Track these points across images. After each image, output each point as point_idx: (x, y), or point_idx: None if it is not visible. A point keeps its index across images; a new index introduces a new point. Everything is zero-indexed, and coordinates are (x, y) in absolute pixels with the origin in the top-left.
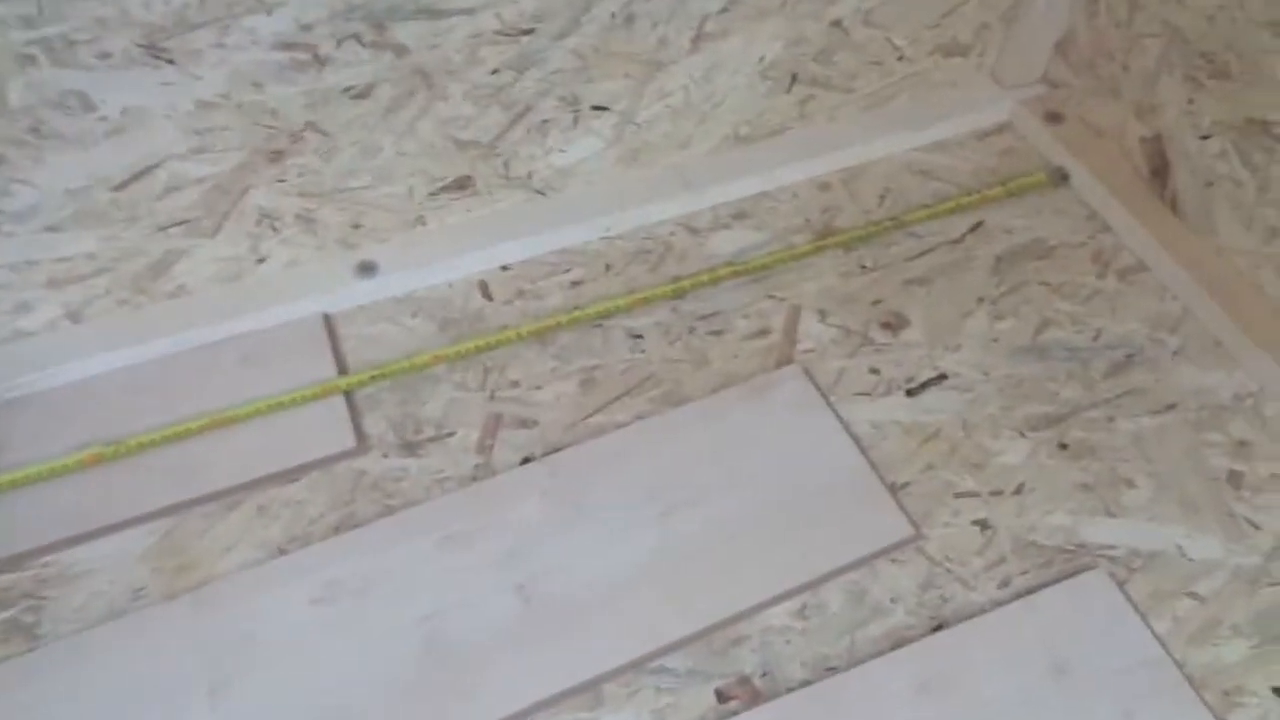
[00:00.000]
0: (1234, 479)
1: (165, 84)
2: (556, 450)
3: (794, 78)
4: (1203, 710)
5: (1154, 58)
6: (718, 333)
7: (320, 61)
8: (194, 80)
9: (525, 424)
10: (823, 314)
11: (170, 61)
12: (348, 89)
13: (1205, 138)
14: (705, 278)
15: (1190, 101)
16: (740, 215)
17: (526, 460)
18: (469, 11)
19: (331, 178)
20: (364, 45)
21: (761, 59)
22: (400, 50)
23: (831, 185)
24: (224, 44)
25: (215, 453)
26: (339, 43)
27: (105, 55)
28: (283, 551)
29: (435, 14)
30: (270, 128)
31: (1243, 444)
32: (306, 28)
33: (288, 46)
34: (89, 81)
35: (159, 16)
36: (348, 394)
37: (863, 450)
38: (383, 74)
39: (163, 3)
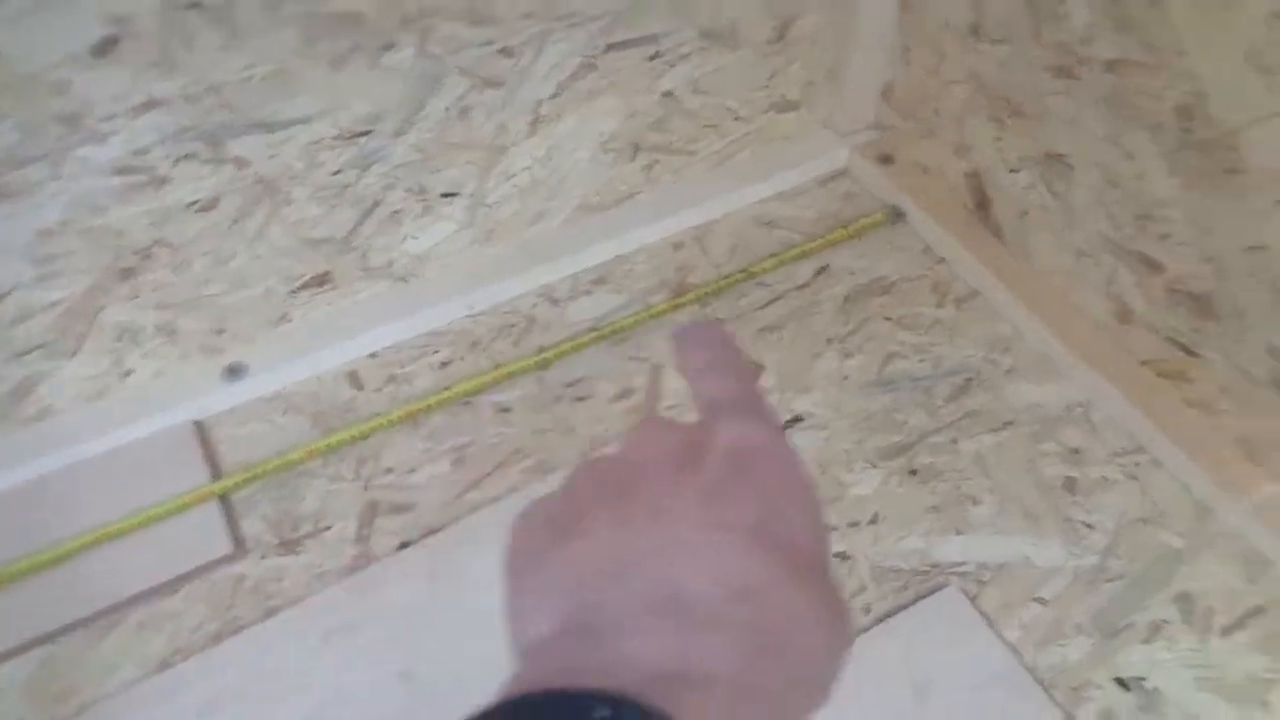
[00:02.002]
0: (1069, 485)
1: (3, 217)
2: (433, 532)
3: (636, 147)
4: (1054, 709)
5: (961, 101)
6: (583, 399)
7: (160, 181)
8: (32, 211)
9: (401, 509)
10: None
11: (6, 195)
12: (192, 203)
13: (1014, 171)
14: (569, 346)
15: (998, 139)
16: (599, 281)
17: (404, 545)
18: (304, 121)
19: (187, 288)
20: (202, 162)
21: (601, 134)
22: (240, 163)
23: (684, 243)
24: (60, 175)
25: (92, 572)
26: (175, 162)
27: None
28: (166, 666)
29: (269, 127)
30: (117, 247)
31: (1075, 451)
32: (140, 152)
33: (124, 171)
34: None
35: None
36: (223, 498)
37: None
38: (225, 186)
39: (6, 139)
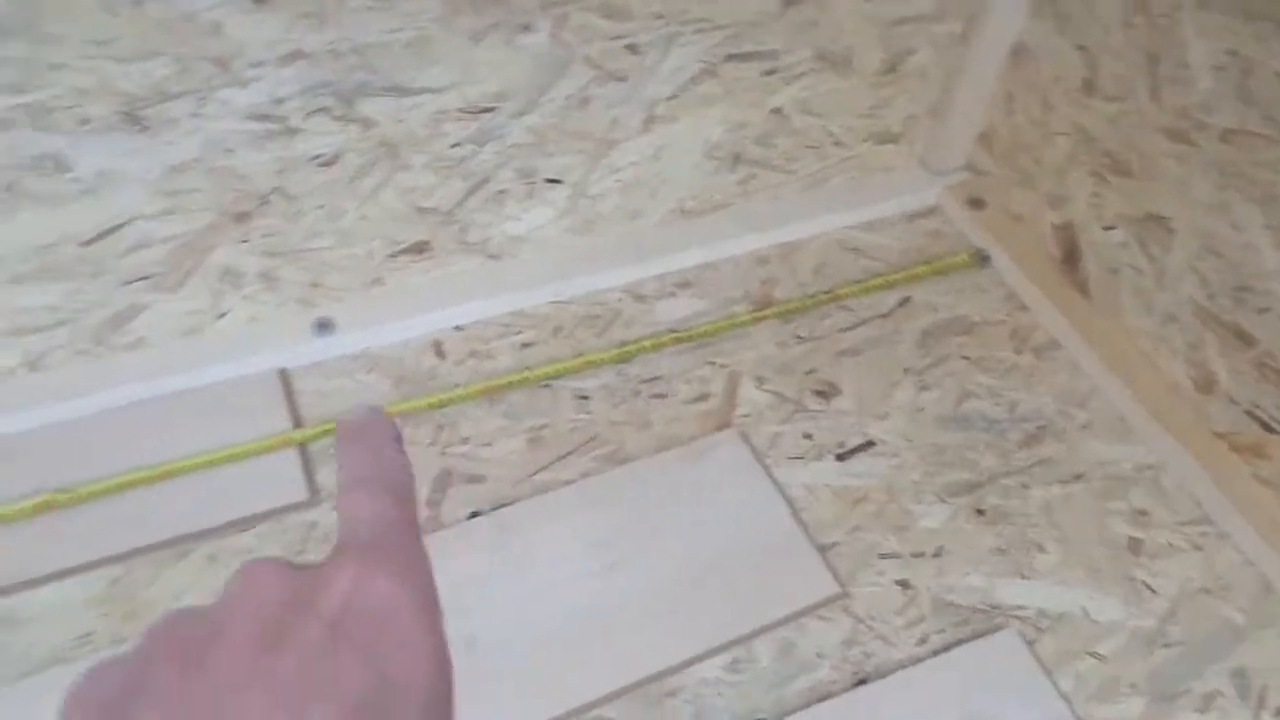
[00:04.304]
0: (1134, 545)
1: (139, 149)
2: (504, 505)
3: (737, 158)
4: None
5: (1064, 154)
6: (660, 396)
7: (290, 131)
8: (167, 146)
9: (474, 479)
10: (760, 380)
11: (146, 129)
12: (315, 157)
13: (1109, 228)
14: (650, 343)
15: (1096, 195)
16: (684, 285)
17: (474, 514)
18: (435, 90)
19: (294, 239)
20: (333, 118)
21: (708, 140)
22: (367, 123)
23: (770, 259)
24: (199, 114)
25: (168, 502)
26: (308, 115)
27: (84, 121)
28: None
29: (403, 91)
30: (238, 191)
31: (1143, 513)
32: (279, 101)
33: (260, 118)
34: (66, 145)
35: (138, 87)
36: (302, 447)
37: (795, 511)
38: (349, 144)
39: (142, 74)
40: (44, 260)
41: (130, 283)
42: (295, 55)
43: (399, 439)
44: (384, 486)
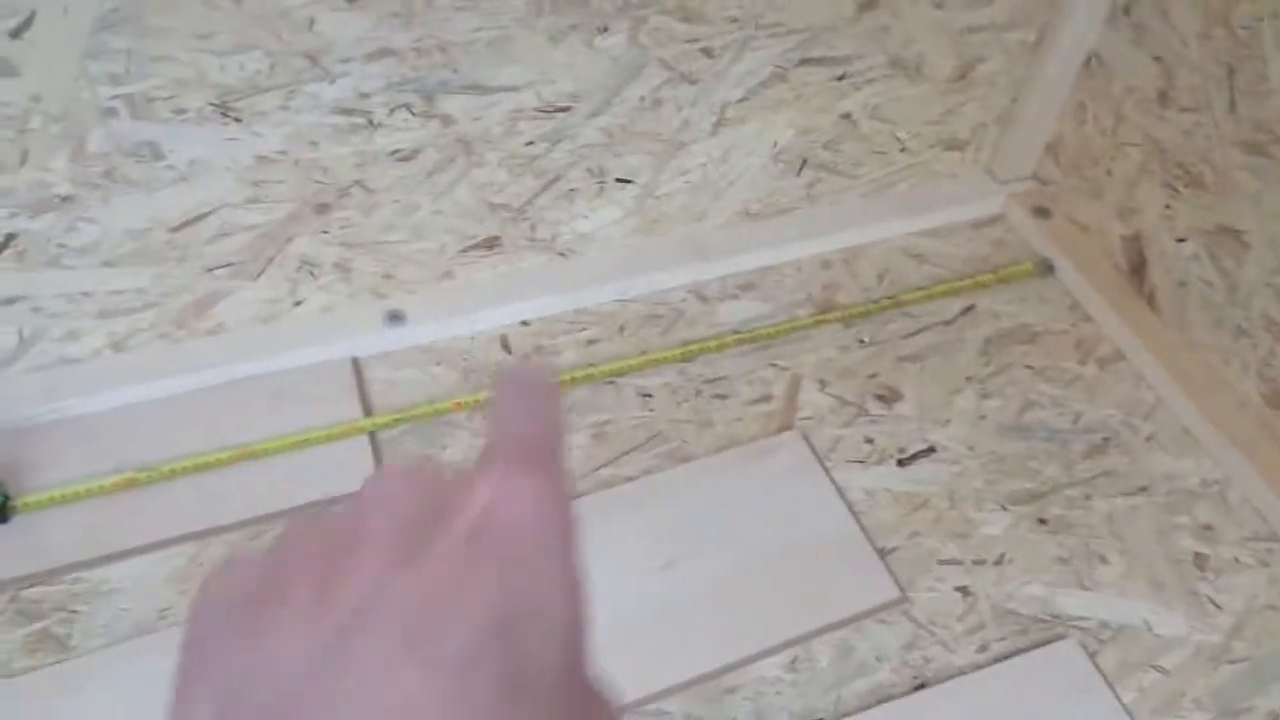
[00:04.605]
0: (1199, 560)
1: (230, 139)
2: None
3: (804, 162)
4: None
5: (1135, 165)
6: (722, 396)
7: (373, 126)
8: (256, 137)
9: None
10: (822, 384)
11: (238, 120)
12: (395, 152)
13: (1180, 240)
14: (713, 344)
15: (1167, 207)
16: (748, 287)
17: None
18: (513, 89)
19: (370, 231)
20: (414, 114)
21: (775, 144)
22: (446, 120)
23: (833, 263)
24: (288, 107)
25: (242, 484)
26: (391, 110)
27: (181, 111)
28: None
29: (481, 90)
30: (320, 183)
31: (1208, 528)
32: (364, 96)
33: (345, 112)
34: (163, 134)
35: (233, 80)
36: (371, 435)
37: (855, 515)
38: (428, 140)
39: (238, 67)
40: (135, 245)
41: (213, 269)
42: (382, 52)
43: (557, 394)
44: (535, 414)
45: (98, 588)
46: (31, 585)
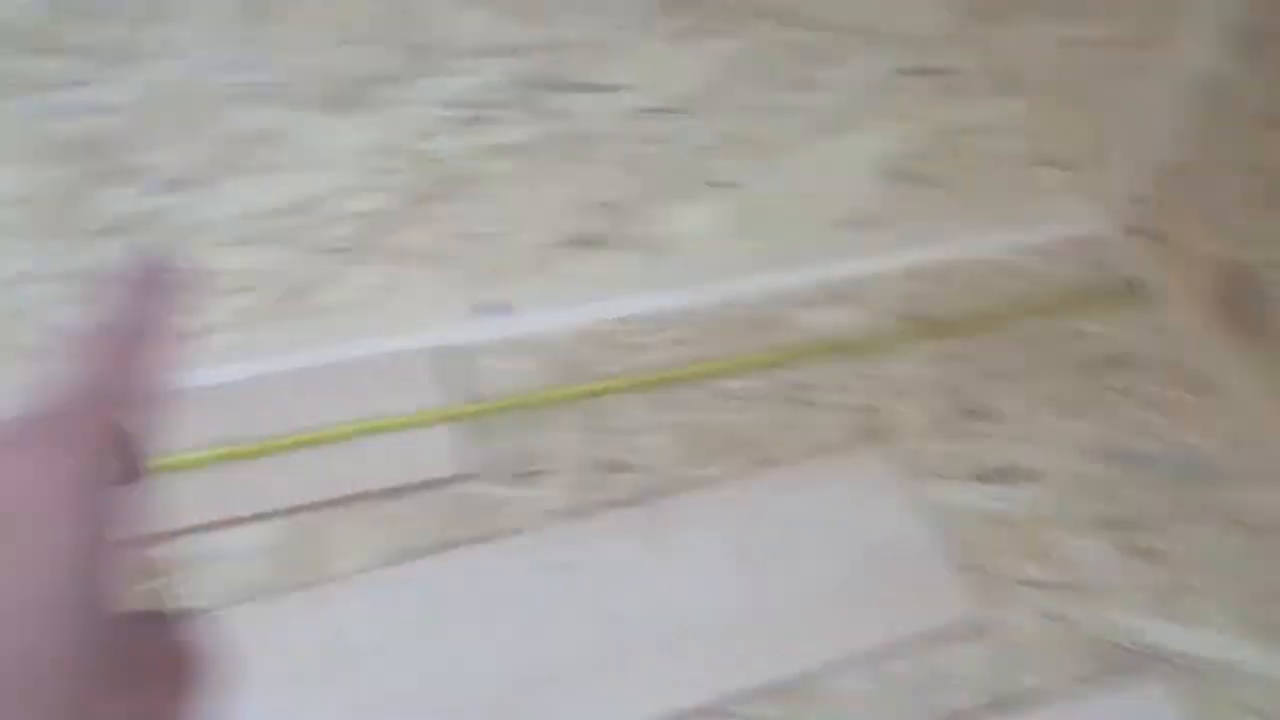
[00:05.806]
0: None
1: (348, 129)
2: (651, 497)
3: (903, 173)
4: None
5: (1242, 190)
6: (810, 404)
7: (486, 120)
8: (373, 127)
9: (622, 468)
10: (910, 397)
11: (357, 109)
12: (505, 146)
13: None
14: (801, 350)
15: (1274, 234)
16: (840, 296)
17: (622, 503)
18: (628, 87)
19: (474, 223)
20: (527, 110)
21: (876, 153)
22: (559, 116)
23: (927, 276)
24: (407, 99)
25: (338, 463)
26: (505, 106)
27: (303, 99)
28: (391, 562)
29: (595, 88)
30: (431, 174)
31: None
32: (478, 90)
33: (459, 105)
34: (285, 121)
35: (355, 71)
36: (462, 422)
37: (939, 530)
38: (538, 136)
39: (360, 59)
40: (250, 227)
41: (320, 253)
42: (501, 48)
43: (175, 293)
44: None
45: (193, 556)
46: None
